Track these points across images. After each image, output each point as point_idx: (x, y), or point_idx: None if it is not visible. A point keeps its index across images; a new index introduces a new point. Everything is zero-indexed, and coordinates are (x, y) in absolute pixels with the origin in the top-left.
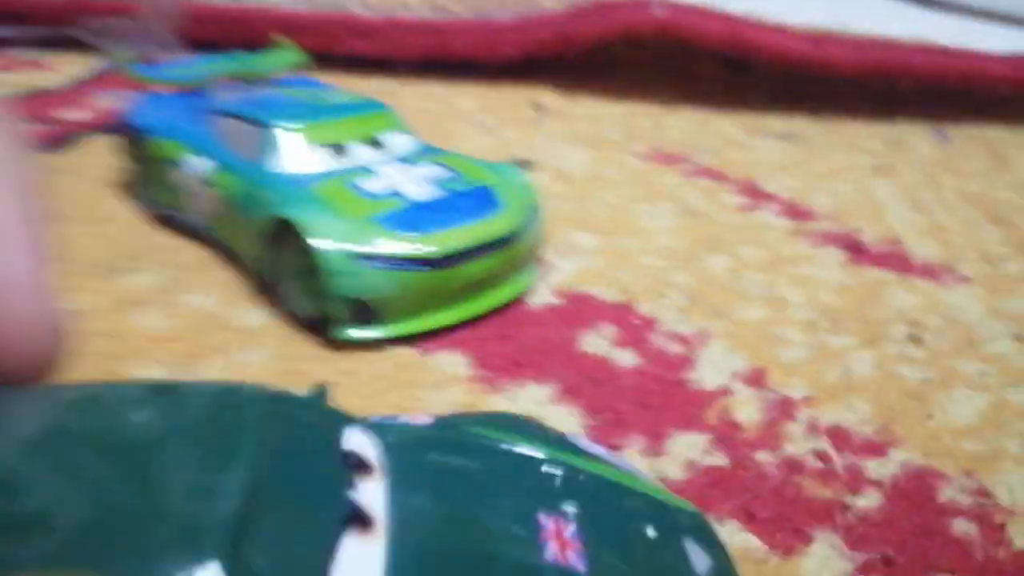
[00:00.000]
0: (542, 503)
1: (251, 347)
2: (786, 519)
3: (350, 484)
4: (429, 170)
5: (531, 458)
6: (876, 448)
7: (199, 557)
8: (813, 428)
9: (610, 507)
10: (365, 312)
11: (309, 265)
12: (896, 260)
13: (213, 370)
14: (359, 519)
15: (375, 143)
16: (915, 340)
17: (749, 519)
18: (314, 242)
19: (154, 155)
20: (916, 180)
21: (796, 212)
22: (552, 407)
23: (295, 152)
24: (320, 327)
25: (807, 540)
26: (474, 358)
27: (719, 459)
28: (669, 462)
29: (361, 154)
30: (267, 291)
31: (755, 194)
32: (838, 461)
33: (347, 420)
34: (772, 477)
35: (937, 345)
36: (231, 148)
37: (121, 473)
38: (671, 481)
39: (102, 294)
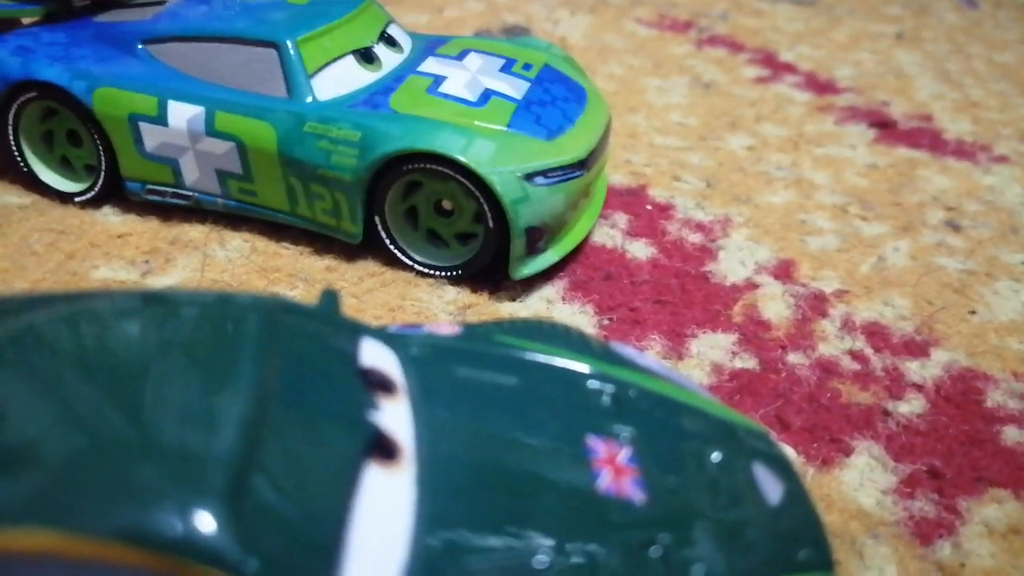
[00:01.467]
0: (590, 424)
1: None
2: (823, 428)
3: (372, 406)
4: (482, 61)
5: (575, 372)
6: (917, 348)
7: (196, 502)
8: (848, 326)
9: (668, 428)
10: (537, 239)
11: (441, 205)
12: (928, 138)
13: None
14: (383, 447)
15: (390, 42)
16: (953, 227)
17: (783, 428)
18: (484, 170)
19: (103, 114)
20: (943, 50)
21: (817, 85)
22: (560, 305)
23: (333, 69)
24: (461, 274)
25: (847, 451)
26: None
27: (747, 362)
28: (693, 365)
29: (391, 57)
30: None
31: (773, 64)
32: (876, 363)
33: (363, 331)
34: (806, 381)
35: (977, 233)
36: (221, 83)
37: (109, 398)
38: None
39: None
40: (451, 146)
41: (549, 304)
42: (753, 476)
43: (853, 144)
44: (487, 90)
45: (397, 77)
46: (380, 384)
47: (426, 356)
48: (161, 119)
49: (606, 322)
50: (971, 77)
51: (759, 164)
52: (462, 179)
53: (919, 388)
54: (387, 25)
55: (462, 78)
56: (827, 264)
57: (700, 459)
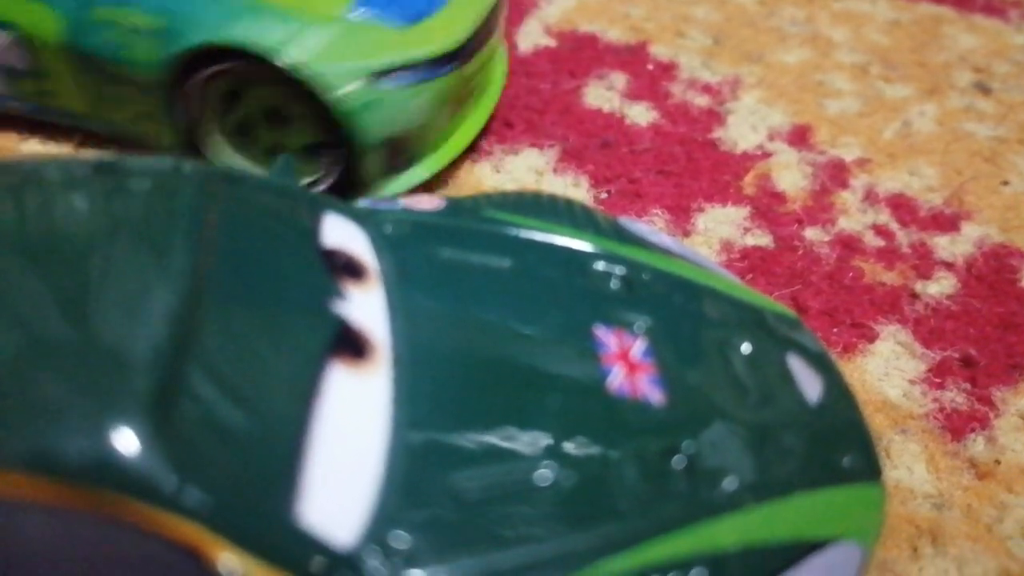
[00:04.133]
0: (598, 313)
1: None
2: (845, 311)
3: (337, 294)
4: None
5: (578, 252)
6: (946, 221)
7: (112, 416)
8: (871, 197)
9: (689, 315)
10: (399, 152)
11: (272, 111)
12: None
13: None
14: (351, 344)
15: None
16: (983, 89)
17: (801, 311)
18: (310, 70)
19: None
20: None
21: None
22: (552, 176)
23: None
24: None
25: (871, 336)
26: None
27: (761, 238)
28: (700, 242)
29: None
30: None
31: None
32: (902, 238)
33: (327, 204)
34: (825, 259)
35: (1008, 96)
36: None
37: (21, 291)
38: None
39: None
40: (267, 38)
41: (539, 176)
42: (788, 370)
43: None
44: None
45: None
46: (347, 268)
47: (403, 234)
48: None
49: (603, 195)
50: None
51: (771, 19)
52: (289, 82)
53: (949, 266)
54: None
55: None
56: (847, 130)
57: (727, 351)
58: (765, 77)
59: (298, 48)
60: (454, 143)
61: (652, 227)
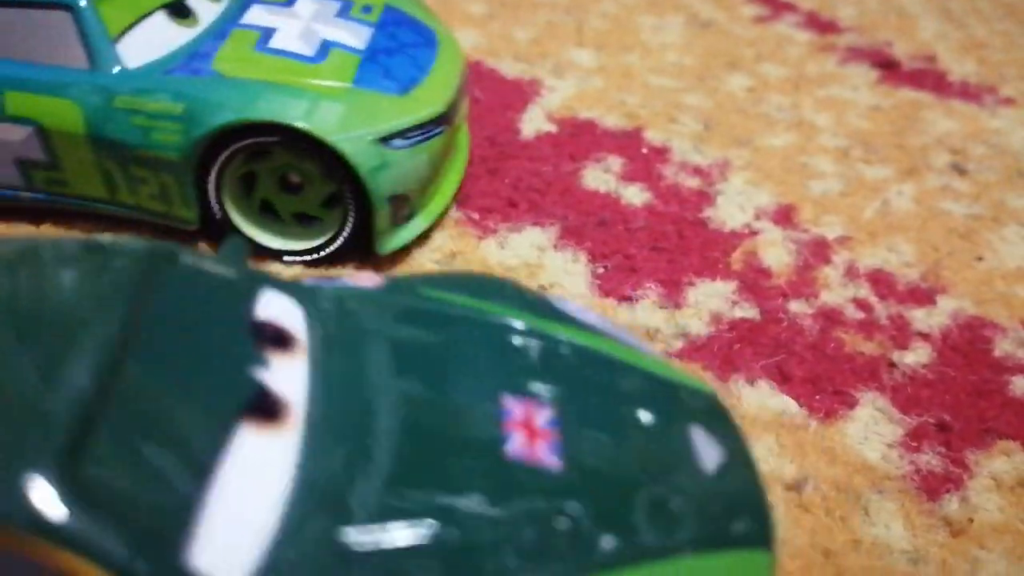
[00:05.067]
0: (509, 383)
1: None
2: (826, 379)
3: (259, 362)
4: (316, 6)
5: (501, 327)
6: (923, 295)
7: (22, 465)
8: (851, 273)
9: (598, 387)
10: (402, 207)
11: (287, 179)
12: (932, 79)
13: None
14: (265, 407)
15: None
16: (959, 170)
17: (784, 379)
18: (333, 138)
19: None
20: None
21: (819, 24)
22: (553, 253)
23: (141, 30)
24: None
25: (851, 403)
26: (461, 196)
27: (748, 310)
28: (691, 315)
29: (208, 9)
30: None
31: (773, 3)
32: (881, 311)
33: (265, 281)
34: (808, 331)
35: (983, 176)
36: (6, 56)
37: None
38: (694, 337)
39: None
40: (291, 113)
41: (541, 252)
42: (689, 440)
43: (856, 85)
44: (325, 41)
45: (218, 33)
46: (275, 339)
47: (338, 310)
48: None
49: (600, 270)
50: (975, 16)
51: (759, 106)
52: (308, 150)
53: (925, 337)
54: None
55: (294, 28)
56: (829, 209)
57: (630, 422)
58: (752, 160)
59: (318, 119)
60: (441, 197)
61: (581, 306)
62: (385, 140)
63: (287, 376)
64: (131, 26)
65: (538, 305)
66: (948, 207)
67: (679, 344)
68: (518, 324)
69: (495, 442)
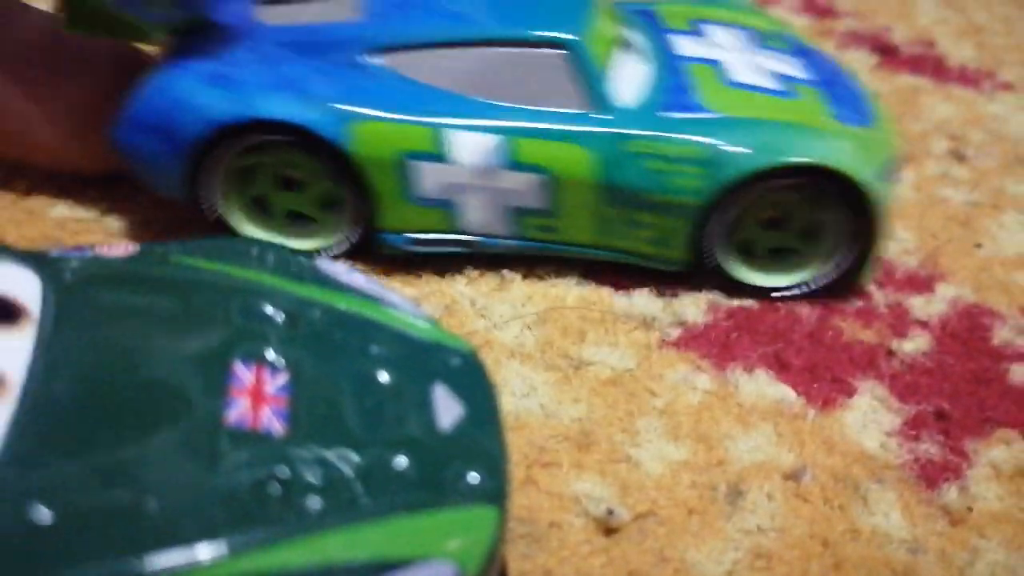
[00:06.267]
0: (244, 350)
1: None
2: (825, 367)
3: None
4: (729, 35)
5: (247, 292)
6: (921, 283)
7: None
8: None
9: (343, 350)
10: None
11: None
12: (931, 64)
13: None
14: None
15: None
16: (958, 157)
17: (781, 368)
18: (860, 177)
19: (366, 156)
20: None
21: (817, 8)
22: None
23: (614, 66)
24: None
25: (850, 391)
26: None
27: (745, 299)
28: (688, 303)
29: (630, 39)
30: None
31: None
32: (879, 299)
33: (2, 252)
34: (806, 319)
35: (982, 163)
36: (504, 101)
37: None
38: (691, 325)
39: None
40: (826, 155)
41: None
42: (429, 398)
43: (854, 70)
44: (781, 75)
45: (669, 66)
46: (4, 311)
47: (80, 281)
48: (441, 155)
49: None
50: (974, 1)
51: None
52: (816, 188)
53: (924, 325)
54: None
55: (738, 61)
56: None
57: (367, 383)
58: None
59: (845, 158)
60: None
61: (349, 269)
62: (883, 174)
63: (7, 351)
64: (607, 62)
65: (299, 270)
66: (947, 194)
67: (676, 332)
68: (266, 290)
69: (216, 409)
